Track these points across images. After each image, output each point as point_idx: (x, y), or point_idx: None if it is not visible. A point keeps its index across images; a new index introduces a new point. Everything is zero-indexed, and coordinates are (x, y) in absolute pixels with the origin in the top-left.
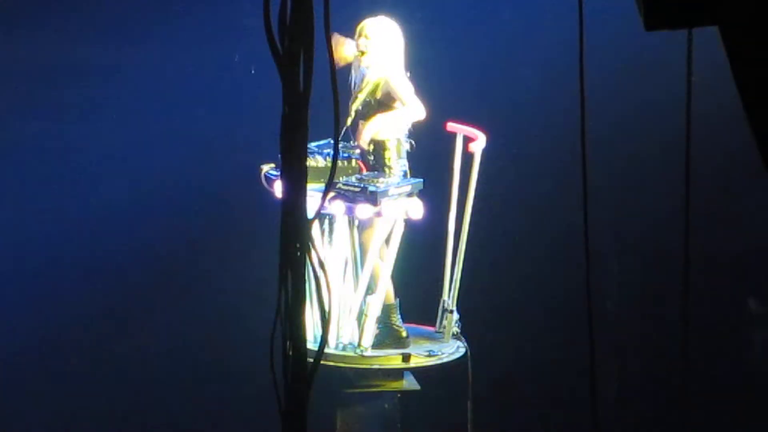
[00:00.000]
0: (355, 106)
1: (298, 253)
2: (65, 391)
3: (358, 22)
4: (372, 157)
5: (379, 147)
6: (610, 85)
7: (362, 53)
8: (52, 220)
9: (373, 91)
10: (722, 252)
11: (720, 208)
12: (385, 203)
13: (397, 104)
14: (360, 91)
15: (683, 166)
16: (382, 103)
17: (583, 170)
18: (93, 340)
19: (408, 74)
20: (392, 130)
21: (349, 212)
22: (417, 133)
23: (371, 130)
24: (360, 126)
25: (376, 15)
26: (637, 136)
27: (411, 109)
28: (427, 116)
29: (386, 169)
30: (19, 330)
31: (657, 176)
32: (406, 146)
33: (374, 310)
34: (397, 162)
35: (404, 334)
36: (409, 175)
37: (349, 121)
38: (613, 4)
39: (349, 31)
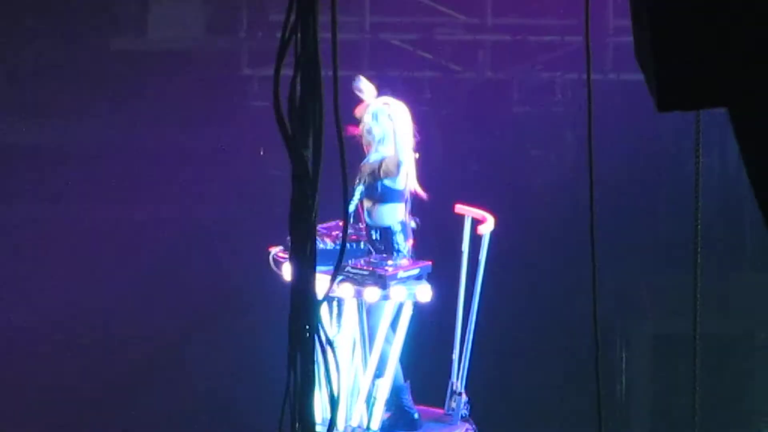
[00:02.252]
0: (360, 188)
1: (308, 335)
2: None
3: (365, 104)
4: (381, 243)
5: (386, 233)
6: (621, 167)
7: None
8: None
9: (378, 171)
10: None
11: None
12: (393, 287)
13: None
14: (366, 172)
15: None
16: (386, 183)
17: (592, 253)
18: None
19: (417, 155)
20: (397, 216)
21: (358, 295)
22: (425, 215)
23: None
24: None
25: (383, 96)
26: (646, 220)
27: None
28: (435, 198)
29: (395, 253)
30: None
31: (669, 261)
32: (412, 224)
33: (383, 393)
34: (405, 244)
35: (415, 416)
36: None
37: (352, 206)
38: (623, 86)
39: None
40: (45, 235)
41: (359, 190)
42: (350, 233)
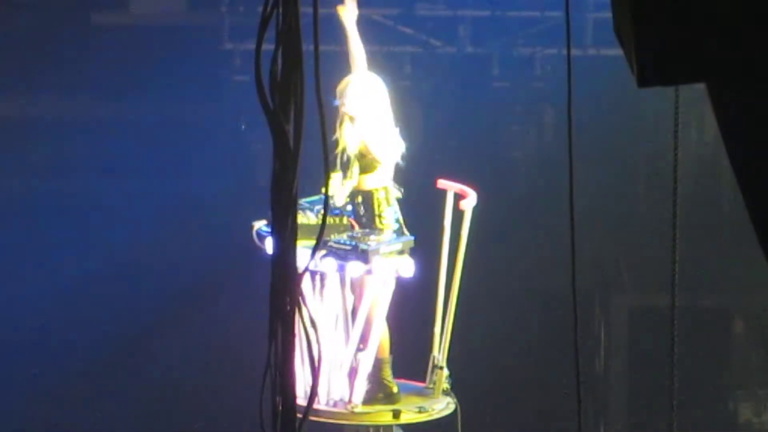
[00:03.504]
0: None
1: (288, 308)
2: None
3: (344, 79)
4: (362, 208)
5: (367, 197)
6: (600, 142)
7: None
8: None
9: (360, 145)
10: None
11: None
12: (376, 261)
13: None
14: (344, 147)
15: (672, 224)
16: (364, 158)
17: (571, 231)
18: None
19: (398, 129)
20: (380, 182)
21: (341, 270)
22: (408, 190)
23: (344, 192)
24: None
25: (362, 72)
26: (627, 193)
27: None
28: (417, 173)
29: (376, 219)
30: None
31: (647, 235)
32: (396, 194)
33: (365, 367)
34: (388, 210)
35: (395, 389)
36: (404, 226)
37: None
38: (603, 62)
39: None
40: (16, 211)
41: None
42: (332, 207)
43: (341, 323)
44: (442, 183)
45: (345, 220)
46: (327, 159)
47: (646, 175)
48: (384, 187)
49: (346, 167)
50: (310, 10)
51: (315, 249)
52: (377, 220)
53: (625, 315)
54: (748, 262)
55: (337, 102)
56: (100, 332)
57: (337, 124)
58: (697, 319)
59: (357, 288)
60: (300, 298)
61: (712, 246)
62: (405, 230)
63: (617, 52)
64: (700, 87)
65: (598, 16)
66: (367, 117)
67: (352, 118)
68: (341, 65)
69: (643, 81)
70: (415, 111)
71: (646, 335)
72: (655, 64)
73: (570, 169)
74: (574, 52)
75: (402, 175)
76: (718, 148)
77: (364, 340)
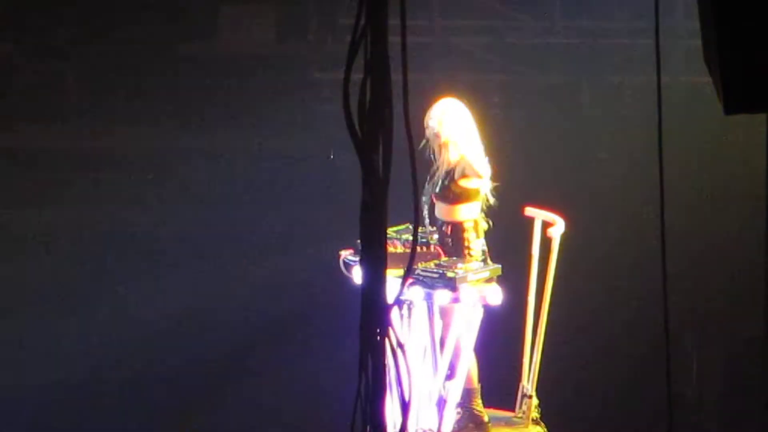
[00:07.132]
0: (432, 188)
1: (378, 339)
2: None
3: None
4: (450, 240)
5: (456, 229)
6: (689, 170)
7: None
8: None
9: (453, 171)
10: None
11: None
12: (463, 289)
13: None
14: (437, 172)
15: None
16: (457, 188)
17: (662, 257)
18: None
19: (487, 159)
20: (470, 214)
21: (428, 298)
22: (495, 217)
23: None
24: (440, 206)
25: (449, 98)
26: (715, 220)
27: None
28: (505, 201)
29: (465, 251)
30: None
31: (737, 261)
32: (484, 226)
33: (453, 396)
34: (476, 242)
35: (485, 419)
36: (488, 258)
37: (426, 207)
38: (693, 89)
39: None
40: (112, 237)
41: (428, 190)
42: (420, 236)
43: (429, 352)
44: (529, 211)
45: (432, 249)
46: (416, 188)
47: (737, 205)
48: (474, 219)
49: (439, 195)
50: (398, 38)
51: (404, 279)
52: (465, 251)
53: (719, 340)
54: None
55: (433, 127)
56: (191, 358)
57: (437, 151)
58: None
59: (445, 316)
60: (389, 328)
61: None
62: (489, 260)
63: (708, 79)
64: None
65: (689, 43)
66: (465, 141)
67: (448, 143)
68: (429, 93)
69: (730, 108)
70: (504, 139)
71: (740, 363)
72: (741, 91)
73: (661, 198)
74: (664, 79)
75: (490, 202)
76: None
77: (452, 369)
